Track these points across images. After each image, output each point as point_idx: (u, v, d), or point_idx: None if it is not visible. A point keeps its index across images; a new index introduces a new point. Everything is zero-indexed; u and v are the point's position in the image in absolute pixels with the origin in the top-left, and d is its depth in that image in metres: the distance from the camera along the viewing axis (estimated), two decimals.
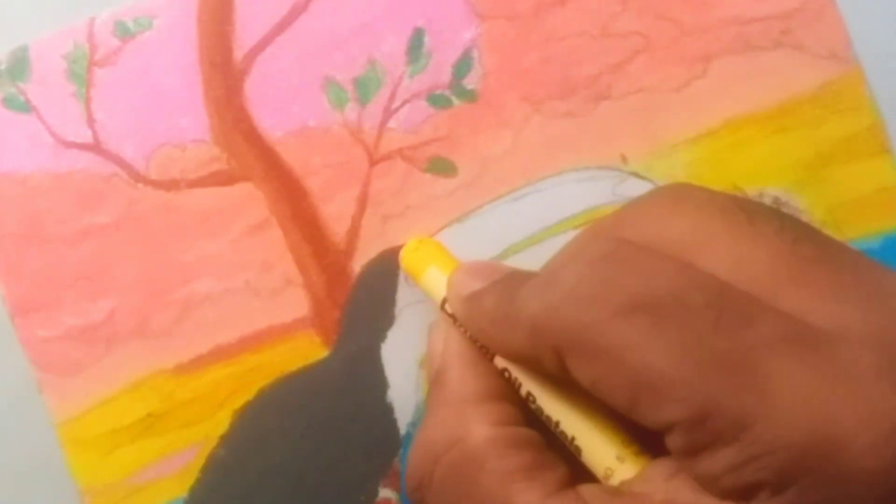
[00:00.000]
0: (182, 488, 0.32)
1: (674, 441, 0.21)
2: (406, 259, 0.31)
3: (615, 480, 0.24)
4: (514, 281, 0.26)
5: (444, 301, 0.29)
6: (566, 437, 0.25)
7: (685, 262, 0.22)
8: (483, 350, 0.27)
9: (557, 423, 0.25)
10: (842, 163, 0.32)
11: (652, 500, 0.22)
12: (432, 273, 0.30)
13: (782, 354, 0.20)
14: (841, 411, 0.20)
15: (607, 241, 0.24)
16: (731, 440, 0.20)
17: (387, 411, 0.32)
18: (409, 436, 0.32)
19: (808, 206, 0.32)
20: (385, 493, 0.32)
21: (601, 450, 0.24)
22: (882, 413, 0.19)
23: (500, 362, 0.27)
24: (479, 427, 0.25)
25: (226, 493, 0.32)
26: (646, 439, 0.24)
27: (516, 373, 0.26)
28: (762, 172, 0.32)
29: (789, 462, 0.19)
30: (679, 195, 0.25)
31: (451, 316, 0.28)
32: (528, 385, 0.26)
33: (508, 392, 0.26)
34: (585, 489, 0.23)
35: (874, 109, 0.32)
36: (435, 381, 0.27)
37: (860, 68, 0.32)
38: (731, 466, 0.20)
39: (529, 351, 0.24)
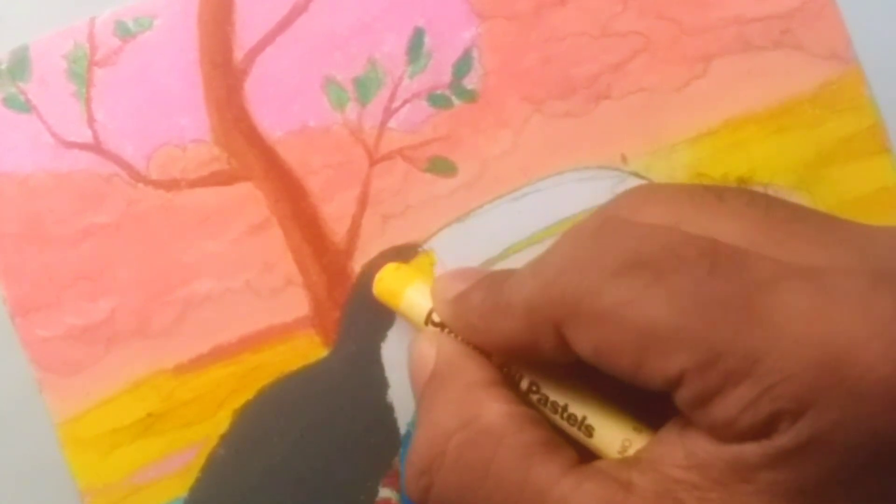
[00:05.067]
0: (182, 488, 0.32)
1: (684, 393, 0.21)
2: (380, 285, 0.31)
3: (632, 453, 0.24)
4: (498, 276, 0.26)
5: (430, 314, 0.29)
6: (576, 419, 0.25)
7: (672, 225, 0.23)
8: (477, 351, 0.27)
9: (566, 407, 0.25)
10: (842, 163, 0.32)
11: (673, 459, 0.22)
12: (412, 291, 0.29)
13: (780, 289, 0.21)
14: (846, 327, 0.20)
15: (594, 218, 0.24)
16: (743, 377, 0.20)
17: (387, 411, 0.32)
18: (409, 435, 0.32)
19: (809, 206, 0.32)
20: (385, 492, 0.32)
21: (616, 424, 0.24)
22: (886, 321, 0.20)
23: (496, 360, 0.27)
24: (494, 404, 0.25)
25: (226, 493, 0.32)
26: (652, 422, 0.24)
27: (515, 366, 0.26)
28: (762, 172, 0.32)
29: (805, 385, 0.20)
30: (648, 189, 0.25)
31: (439, 326, 0.28)
32: (530, 374, 0.26)
33: (512, 386, 0.26)
34: (602, 463, 0.23)
35: (874, 109, 0.32)
36: (430, 381, 0.27)
37: (860, 68, 0.32)
38: (746, 403, 0.20)
39: (525, 335, 0.24)
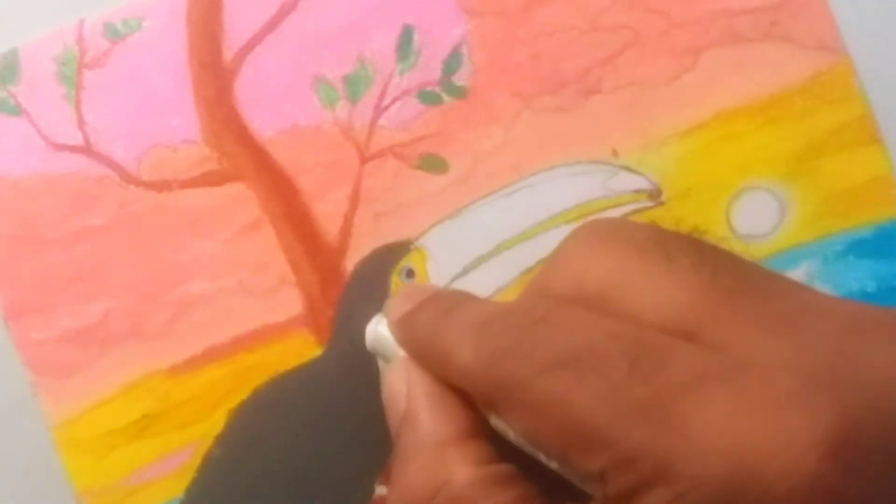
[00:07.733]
0: (178, 489, 0.32)
1: (606, 490, 0.21)
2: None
3: None
4: (443, 300, 0.26)
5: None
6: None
7: (605, 311, 0.23)
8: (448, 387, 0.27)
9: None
10: (833, 153, 0.32)
11: None
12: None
13: (698, 392, 0.21)
14: (755, 439, 0.20)
15: (534, 298, 0.25)
16: (657, 481, 0.20)
17: (381, 409, 0.32)
18: None
19: (800, 198, 0.32)
20: (381, 490, 0.32)
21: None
22: (791, 437, 0.19)
23: None
24: (461, 469, 0.24)
25: (222, 493, 0.32)
26: None
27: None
28: (753, 164, 0.32)
29: (712, 496, 0.20)
30: (598, 234, 0.25)
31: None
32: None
33: (481, 424, 0.26)
34: None
35: (864, 99, 0.32)
36: (404, 424, 0.27)
37: (849, 58, 0.32)
38: None
39: (463, 385, 0.25)
